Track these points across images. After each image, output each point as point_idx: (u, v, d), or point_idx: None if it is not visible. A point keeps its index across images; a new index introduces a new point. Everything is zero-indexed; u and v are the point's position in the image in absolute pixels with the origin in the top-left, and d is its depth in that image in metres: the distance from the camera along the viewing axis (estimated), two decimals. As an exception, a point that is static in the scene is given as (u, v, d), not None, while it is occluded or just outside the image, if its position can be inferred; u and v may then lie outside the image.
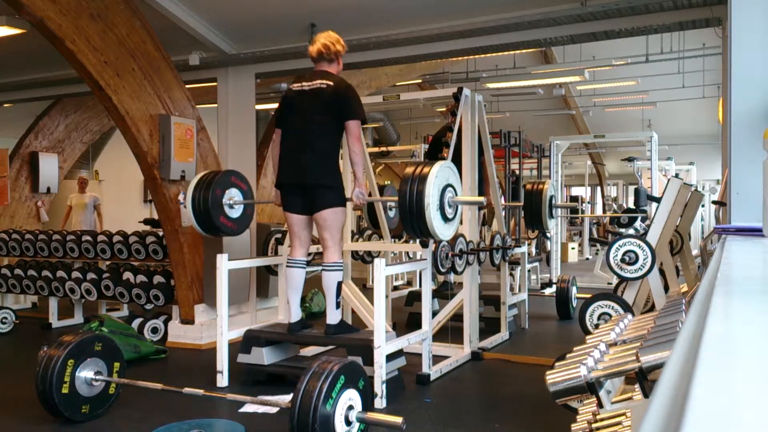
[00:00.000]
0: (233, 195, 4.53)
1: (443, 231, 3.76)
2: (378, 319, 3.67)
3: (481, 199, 4.14)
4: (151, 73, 5.13)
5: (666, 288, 4.47)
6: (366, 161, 5.31)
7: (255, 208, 5.08)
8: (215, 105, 6.40)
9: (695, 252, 5.70)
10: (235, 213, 4.54)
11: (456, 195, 3.85)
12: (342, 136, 4.00)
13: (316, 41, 4.05)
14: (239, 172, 4.76)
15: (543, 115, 15.09)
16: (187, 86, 5.64)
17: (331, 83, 3.94)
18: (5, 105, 8.71)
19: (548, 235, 9.60)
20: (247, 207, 4.65)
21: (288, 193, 4.01)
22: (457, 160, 5.08)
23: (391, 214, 6.28)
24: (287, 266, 4.18)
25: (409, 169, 3.76)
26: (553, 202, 6.16)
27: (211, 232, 4.45)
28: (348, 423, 2.74)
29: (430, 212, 3.59)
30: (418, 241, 4.18)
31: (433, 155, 5.49)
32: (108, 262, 6.26)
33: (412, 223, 3.69)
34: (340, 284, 4.02)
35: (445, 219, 3.77)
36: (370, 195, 4.83)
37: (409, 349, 4.17)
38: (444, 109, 5.75)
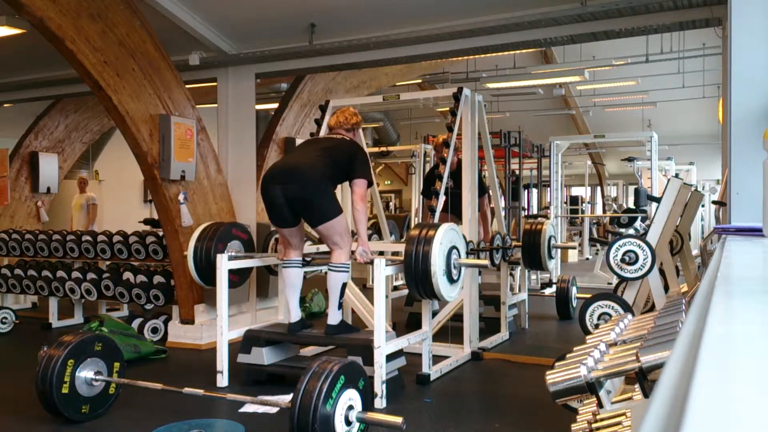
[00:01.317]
0: (234, 247, 4.77)
1: (449, 293, 3.84)
2: (378, 319, 3.67)
3: (486, 262, 4.22)
4: (151, 73, 5.12)
5: (666, 288, 4.47)
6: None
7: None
8: (215, 105, 6.40)
9: (695, 252, 5.70)
10: (237, 265, 4.62)
11: (460, 257, 3.90)
12: (339, 182, 4.07)
13: (335, 115, 4.30)
14: (240, 223, 5.01)
15: (543, 115, 15.09)
16: (187, 86, 5.63)
17: (347, 139, 4.14)
18: (5, 105, 8.71)
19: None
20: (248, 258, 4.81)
21: (274, 206, 3.88)
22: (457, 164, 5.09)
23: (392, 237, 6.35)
24: (283, 267, 4.20)
25: (415, 232, 3.79)
26: (552, 243, 6.05)
27: (212, 284, 4.53)
28: (348, 423, 2.74)
29: (436, 278, 3.64)
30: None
31: (426, 190, 5.57)
32: (108, 262, 6.26)
33: (417, 285, 3.75)
34: (344, 285, 4.02)
35: (451, 281, 3.82)
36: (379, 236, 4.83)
37: (409, 349, 4.16)
38: (445, 109, 5.75)
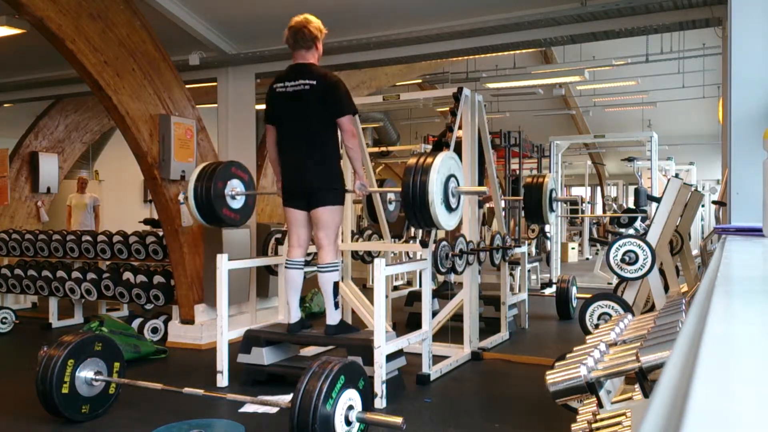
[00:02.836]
0: (235, 186, 4.55)
1: (447, 221, 3.75)
2: (378, 319, 3.67)
3: (484, 189, 4.14)
4: (151, 73, 5.13)
5: (666, 288, 4.47)
6: (364, 154, 5.23)
7: (256, 198, 5.08)
8: (215, 105, 6.40)
9: (695, 252, 5.69)
10: (237, 203, 4.56)
11: (459, 185, 3.84)
12: (338, 131, 3.97)
13: (290, 32, 3.97)
14: (239, 162, 4.74)
15: (543, 115, 15.09)
16: (187, 86, 5.64)
17: (314, 82, 3.84)
18: (5, 105, 8.71)
19: (548, 235, 9.60)
20: (248, 197, 4.67)
21: (291, 195, 4.00)
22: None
23: (391, 207, 6.28)
24: (286, 267, 4.18)
25: (412, 161, 3.73)
26: (554, 195, 6.08)
27: (213, 222, 4.46)
28: (348, 423, 2.74)
29: (434, 207, 3.58)
30: (418, 240, 4.18)
31: None
32: (108, 262, 6.26)
33: (415, 214, 3.66)
34: (336, 284, 3.99)
35: (449, 209, 3.75)
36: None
37: (409, 349, 4.16)
38: (445, 109, 5.74)
